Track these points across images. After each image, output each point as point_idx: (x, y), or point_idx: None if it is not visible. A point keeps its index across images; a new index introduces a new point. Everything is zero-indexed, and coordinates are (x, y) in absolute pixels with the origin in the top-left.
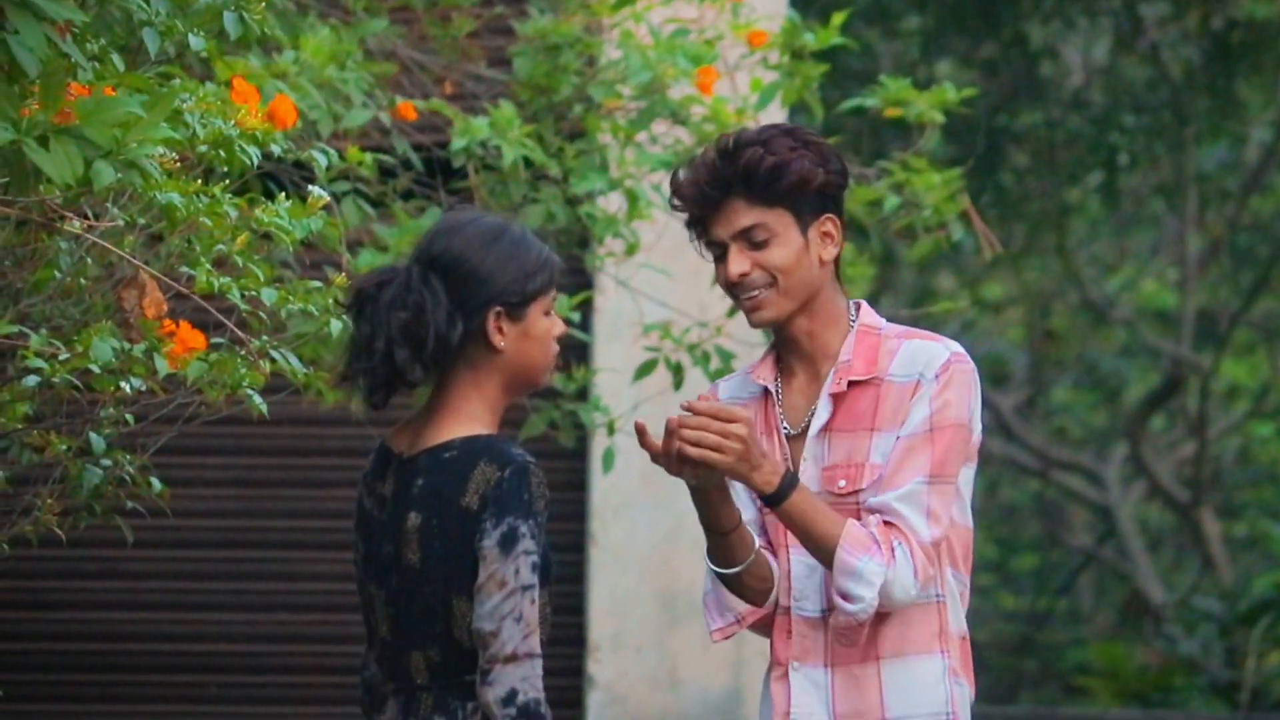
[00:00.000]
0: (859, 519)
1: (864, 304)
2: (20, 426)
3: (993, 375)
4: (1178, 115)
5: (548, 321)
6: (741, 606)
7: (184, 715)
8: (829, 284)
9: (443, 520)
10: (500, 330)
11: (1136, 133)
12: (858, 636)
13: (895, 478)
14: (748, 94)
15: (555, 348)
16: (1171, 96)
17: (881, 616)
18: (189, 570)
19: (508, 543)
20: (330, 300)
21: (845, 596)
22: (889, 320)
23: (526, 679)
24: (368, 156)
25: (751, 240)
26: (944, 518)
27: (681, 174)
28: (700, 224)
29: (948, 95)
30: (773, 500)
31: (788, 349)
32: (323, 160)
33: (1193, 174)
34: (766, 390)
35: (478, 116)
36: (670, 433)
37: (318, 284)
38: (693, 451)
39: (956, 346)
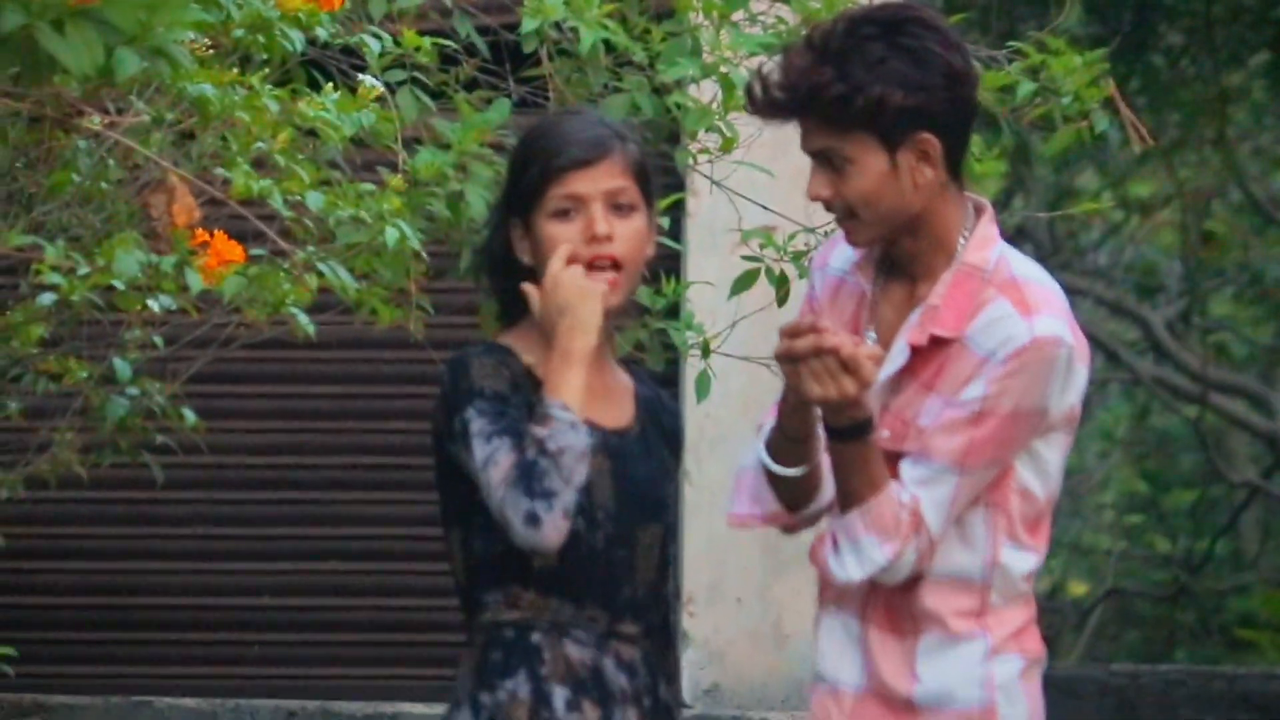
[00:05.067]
0: (895, 476)
1: (984, 221)
2: (35, 351)
3: (1143, 286)
4: None
5: (554, 227)
6: (774, 505)
7: (222, 678)
8: (938, 200)
9: (433, 444)
10: (525, 242)
11: None
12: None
13: (928, 453)
14: None
15: (564, 254)
16: None
17: (920, 590)
18: (227, 514)
19: (464, 438)
20: (384, 205)
21: (835, 546)
22: (1018, 232)
23: (516, 487)
24: (426, 41)
25: (829, 164)
26: (957, 510)
27: (767, 73)
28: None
29: None
30: (836, 434)
31: (892, 257)
32: (375, 46)
33: None
34: (863, 291)
35: None
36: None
37: (370, 187)
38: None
39: (1047, 328)
